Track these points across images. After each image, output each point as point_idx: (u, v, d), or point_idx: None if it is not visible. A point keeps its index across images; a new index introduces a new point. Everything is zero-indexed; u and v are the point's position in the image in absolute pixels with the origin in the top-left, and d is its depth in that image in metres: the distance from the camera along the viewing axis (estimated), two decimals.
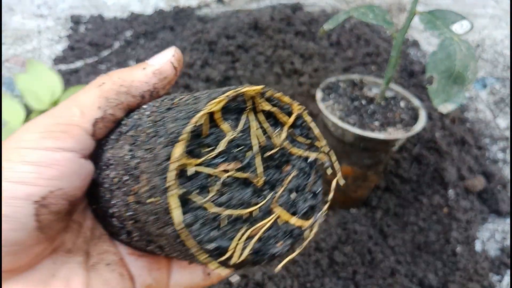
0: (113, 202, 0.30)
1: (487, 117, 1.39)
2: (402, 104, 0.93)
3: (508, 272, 0.97)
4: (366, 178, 0.96)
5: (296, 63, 1.35)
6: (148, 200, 0.25)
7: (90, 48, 1.56)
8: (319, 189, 0.30)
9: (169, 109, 0.28)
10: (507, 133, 1.33)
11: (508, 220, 1.09)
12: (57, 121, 0.30)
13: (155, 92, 0.33)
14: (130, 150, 0.29)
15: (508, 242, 1.03)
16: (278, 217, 0.28)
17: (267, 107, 0.28)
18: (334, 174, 0.30)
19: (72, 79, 1.36)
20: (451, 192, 1.08)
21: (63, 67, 1.44)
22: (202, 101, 0.26)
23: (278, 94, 0.29)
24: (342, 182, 0.31)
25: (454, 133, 1.22)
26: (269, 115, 0.29)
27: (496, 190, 1.12)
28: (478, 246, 1.02)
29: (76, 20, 1.73)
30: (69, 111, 0.30)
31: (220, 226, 0.25)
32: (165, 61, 0.33)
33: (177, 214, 0.23)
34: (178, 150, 0.24)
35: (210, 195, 0.25)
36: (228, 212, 0.25)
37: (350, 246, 0.94)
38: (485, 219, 1.09)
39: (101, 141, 0.34)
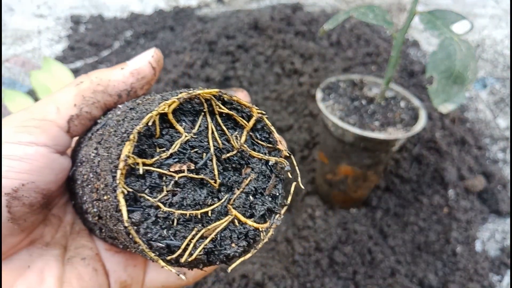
0: (84, 198, 0.31)
1: (487, 117, 1.39)
2: (402, 104, 0.93)
3: (508, 272, 0.97)
4: (366, 178, 0.96)
5: (296, 63, 1.35)
6: (105, 197, 0.26)
7: (90, 48, 1.56)
8: (279, 193, 0.30)
9: (132, 108, 0.29)
10: (507, 133, 1.33)
11: (508, 220, 1.09)
12: (32, 116, 0.30)
13: (133, 92, 0.34)
14: (96, 148, 0.29)
15: (508, 242, 1.03)
16: (235, 218, 0.28)
17: (224, 110, 0.28)
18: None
19: None
20: (451, 192, 1.08)
21: None
22: (156, 102, 0.26)
23: (235, 98, 0.29)
24: (302, 186, 0.31)
25: (454, 133, 1.22)
26: (229, 118, 0.29)
27: (496, 190, 1.12)
28: (478, 246, 1.02)
29: (76, 20, 1.73)
30: (45, 108, 0.31)
31: (172, 225, 0.25)
32: (143, 61, 0.34)
33: (124, 211, 0.24)
34: (127, 149, 0.24)
35: (162, 194, 0.25)
36: (180, 211, 0.26)
37: (350, 246, 0.94)
38: (485, 219, 1.09)
39: (81, 139, 0.34)
